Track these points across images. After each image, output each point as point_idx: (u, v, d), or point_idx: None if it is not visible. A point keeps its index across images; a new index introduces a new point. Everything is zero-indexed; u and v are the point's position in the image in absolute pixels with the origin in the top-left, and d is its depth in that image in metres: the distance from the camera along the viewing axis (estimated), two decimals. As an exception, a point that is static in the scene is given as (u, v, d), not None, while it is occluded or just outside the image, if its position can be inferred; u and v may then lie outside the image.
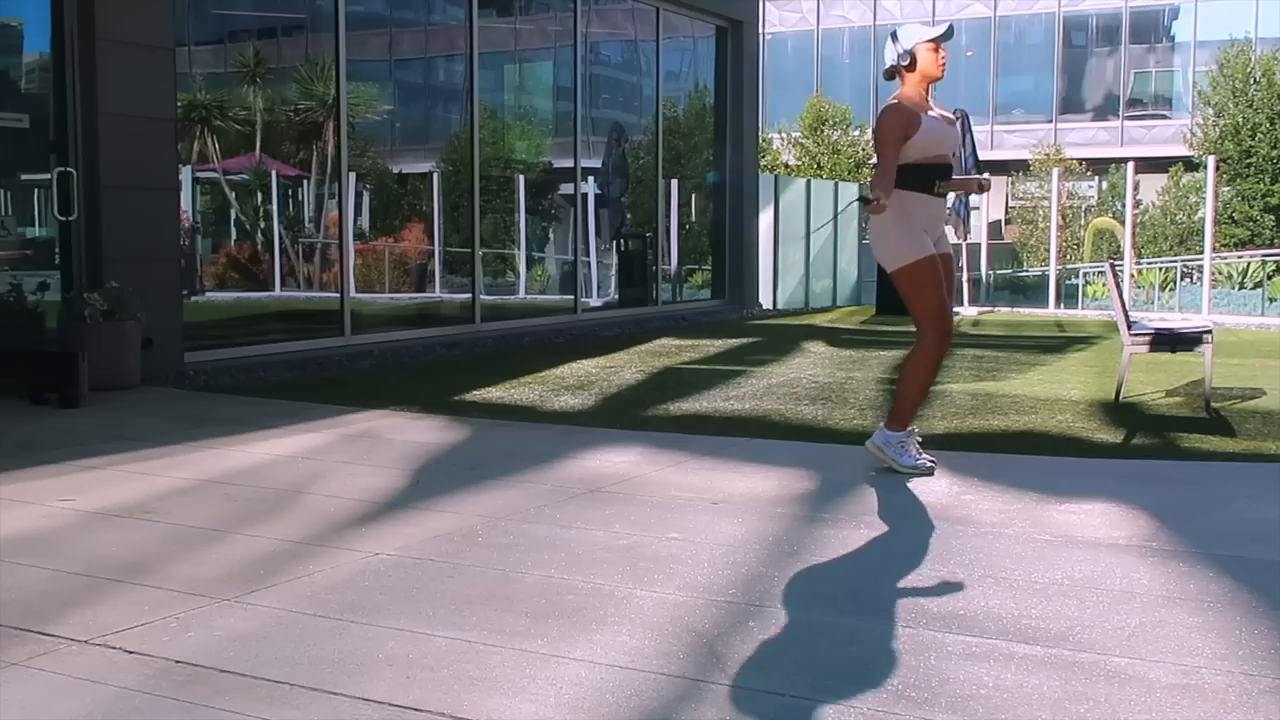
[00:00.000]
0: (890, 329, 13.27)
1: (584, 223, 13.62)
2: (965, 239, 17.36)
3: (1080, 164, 33.31)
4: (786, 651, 3.10)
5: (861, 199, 5.40)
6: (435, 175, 12.19)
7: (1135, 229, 24.42)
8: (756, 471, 5.42)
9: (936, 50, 5.24)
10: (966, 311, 16.65)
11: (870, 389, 8.07)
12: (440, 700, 2.78)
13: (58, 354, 7.24)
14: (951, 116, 5.49)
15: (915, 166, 5.12)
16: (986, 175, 5.80)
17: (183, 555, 4.00)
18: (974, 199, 22.91)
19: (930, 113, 5.23)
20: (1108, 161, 33.38)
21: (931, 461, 5.33)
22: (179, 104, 8.83)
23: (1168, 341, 7.45)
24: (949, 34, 5.28)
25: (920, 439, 5.45)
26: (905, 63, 5.23)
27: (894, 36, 5.31)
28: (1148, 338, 7.36)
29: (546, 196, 14.16)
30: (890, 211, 5.07)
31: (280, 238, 10.62)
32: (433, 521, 4.47)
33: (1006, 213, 37.67)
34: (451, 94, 12.67)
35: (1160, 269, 24.80)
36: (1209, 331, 7.39)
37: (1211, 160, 19.12)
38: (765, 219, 17.10)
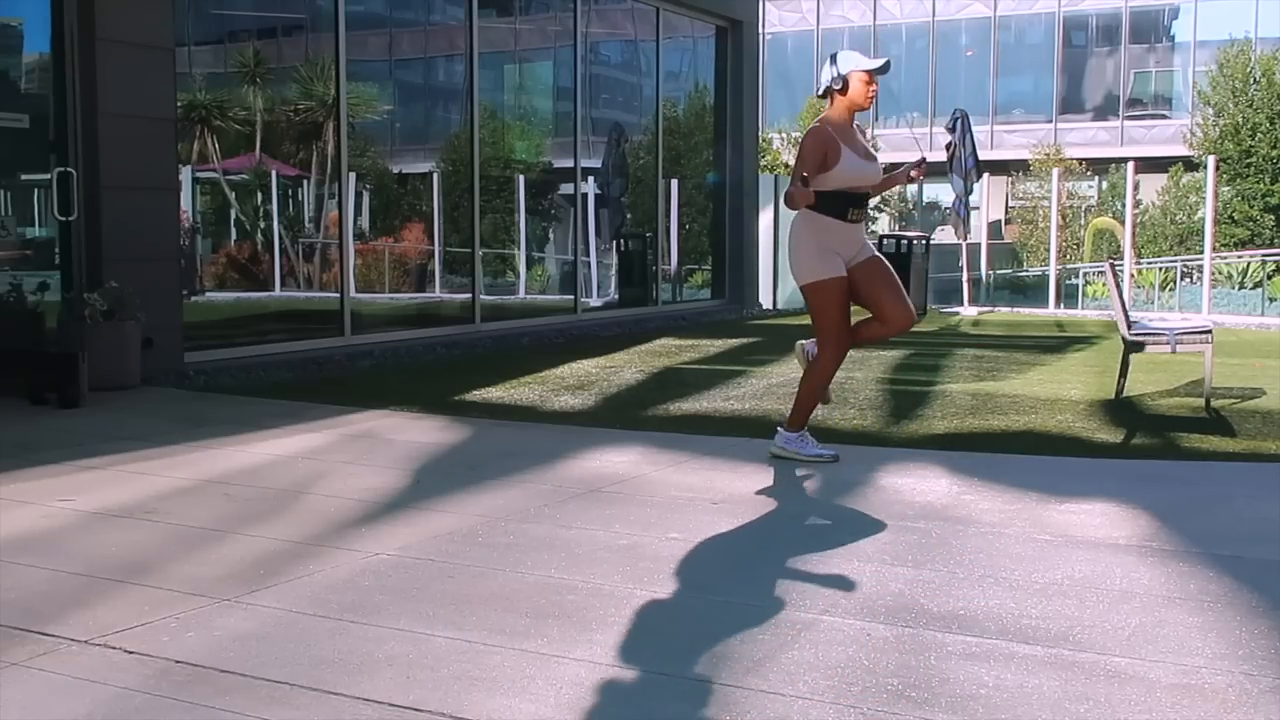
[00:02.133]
0: (890, 329, 13.24)
1: (584, 223, 13.62)
2: (965, 239, 17.35)
3: (1080, 164, 33.30)
4: (787, 651, 3.10)
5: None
6: (435, 175, 12.19)
7: (1135, 229, 24.42)
8: (756, 471, 5.42)
9: (869, 82, 5.47)
10: (966, 311, 16.65)
11: (870, 389, 8.07)
12: (440, 700, 2.78)
13: (58, 354, 7.24)
14: (873, 151, 5.70)
15: (831, 194, 5.36)
16: (919, 160, 5.92)
17: (183, 555, 4.00)
18: (974, 199, 22.90)
19: (852, 144, 5.45)
20: (1108, 161, 33.37)
21: (834, 453, 5.63)
22: (179, 104, 8.83)
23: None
24: (885, 69, 5.52)
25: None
26: (837, 86, 5.47)
27: (833, 59, 5.53)
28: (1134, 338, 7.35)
29: (546, 196, 14.16)
30: (807, 229, 5.42)
31: (280, 238, 10.62)
32: (433, 521, 4.47)
33: (1006, 213, 37.68)
34: (451, 94, 12.67)
35: (1160, 269, 24.79)
36: (1209, 331, 7.38)
37: (1211, 160, 19.11)
38: (765, 219, 17.08)
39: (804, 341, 5.86)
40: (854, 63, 5.47)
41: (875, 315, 5.56)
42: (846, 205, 5.43)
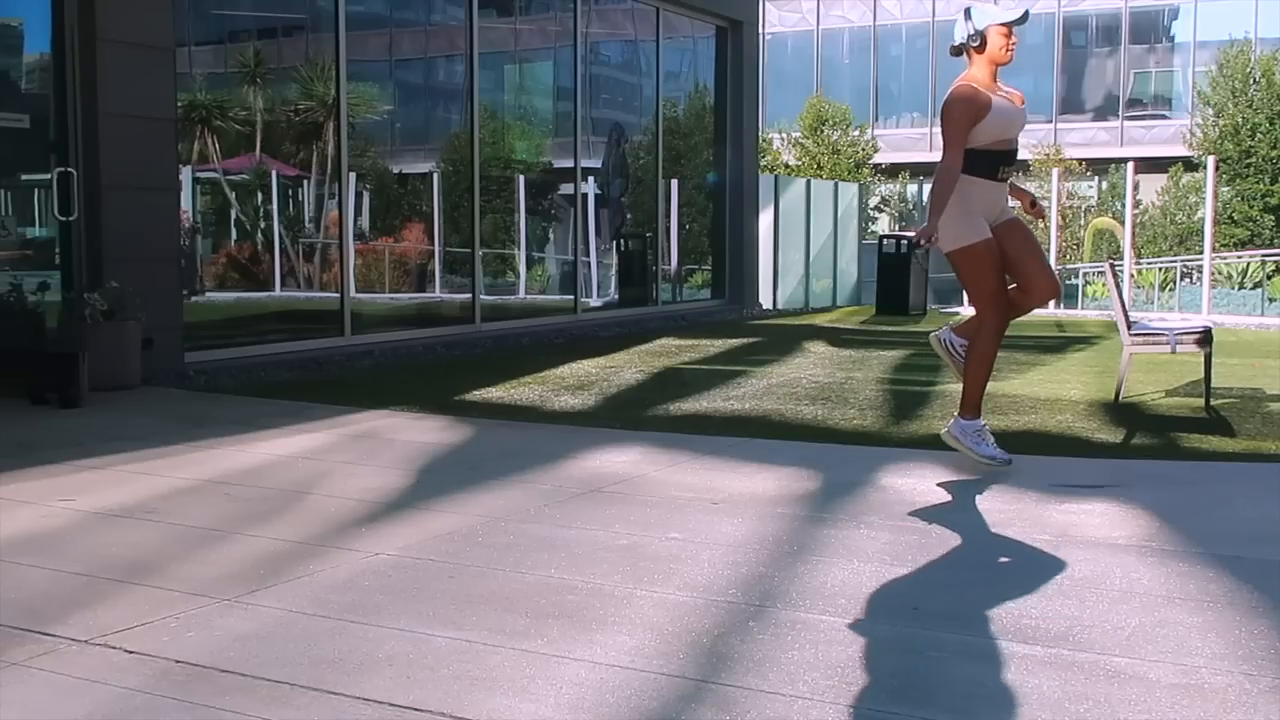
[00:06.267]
0: (890, 329, 13.28)
1: (584, 223, 13.62)
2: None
3: (1080, 164, 33.30)
4: (786, 652, 3.10)
5: (912, 244, 5.21)
6: (435, 175, 12.19)
7: (1135, 229, 24.42)
8: (756, 471, 5.42)
9: (1008, 35, 5.19)
10: (967, 311, 16.64)
11: (870, 389, 8.07)
12: (440, 700, 2.78)
13: (58, 354, 7.23)
14: (1020, 97, 5.37)
15: (981, 153, 5.12)
16: (1041, 205, 5.80)
17: (183, 555, 4.00)
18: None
19: (999, 94, 5.20)
20: (1108, 161, 33.37)
21: (1007, 456, 5.37)
22: (179, 104, 8.83)
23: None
24: (1023, 19, 5.24)
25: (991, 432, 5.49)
26: (975, 43, 5.20)
27: (967, 14, 5.25)
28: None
29: (546, 196, 14.16)
30: (951, 196, 5.10)
31: (280, 238, 10.62)
32: (433, 521, 4.47)
33: (1006, 213, 37.68)
34: (451, 94, 12.67)
35: (1160, 269, 24.80)
36: (1209, 329, 7.40)
37: (1211, 160, 19.14)
38: (765, 219, 17.10)
39: (937, 332, 5.54)
40: (990, 16, 5.17)
41: (1019, 284, 5.27)
42: (997, 164, 5.17)
